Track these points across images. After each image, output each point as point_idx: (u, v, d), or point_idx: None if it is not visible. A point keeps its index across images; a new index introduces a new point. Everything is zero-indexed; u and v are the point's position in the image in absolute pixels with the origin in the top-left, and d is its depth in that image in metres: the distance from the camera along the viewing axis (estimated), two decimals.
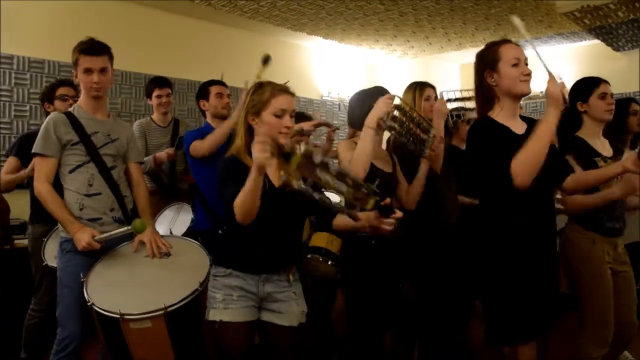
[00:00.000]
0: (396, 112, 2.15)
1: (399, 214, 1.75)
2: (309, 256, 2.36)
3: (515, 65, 1.99)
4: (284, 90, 1.88)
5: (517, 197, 1.92)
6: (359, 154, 2.18)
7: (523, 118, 2.13)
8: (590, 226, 2.38)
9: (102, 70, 2.26)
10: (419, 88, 2.76)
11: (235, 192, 1.68)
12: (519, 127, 2.05)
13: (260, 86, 1.88)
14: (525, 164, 1.84)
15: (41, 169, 2.21)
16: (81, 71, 2.25)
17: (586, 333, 2.37)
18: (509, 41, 2.05)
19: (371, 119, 2.16)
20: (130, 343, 1.85)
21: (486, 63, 2.04)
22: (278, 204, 1.83)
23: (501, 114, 2.04)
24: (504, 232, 2.00)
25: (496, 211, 2.03)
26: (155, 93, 3.58)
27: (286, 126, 1.84)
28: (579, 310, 2.43)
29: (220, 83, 3.20)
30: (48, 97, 3.10)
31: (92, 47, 2.25)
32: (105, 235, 2.14)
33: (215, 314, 1.81)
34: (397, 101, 2.20)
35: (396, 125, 2.18)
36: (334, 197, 4.62)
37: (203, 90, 3.19)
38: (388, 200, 1.67)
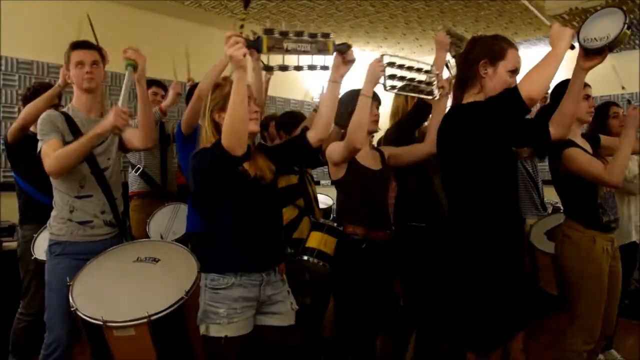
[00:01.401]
0: (390, 70, 2.14)
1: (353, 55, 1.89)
2: (305, 258, 2.37)
3: (512, 72, 1.96)
4: None
5: (492, 196, 1.92)
6: (356, 122, 2.19)
7: None
8: (590, 223, 2.40)
9: (94, 63, 2.26)
10: None
11: (210, 167, 1.70)
12: None
13: (216, 86, 1.88)
14: (535, 76, 1.78)
15: (50, 148, 2.14)
16: (73, 65, 2.25)
17: (575, 329, 2.40)
18: (517, 48, 2.02)
19: (367, 88, 2.18)
20: (114, 351, 1.84)
21: (488, 54, 1.97)
22: (256, 195, 1.84)
23: (479, 97, 1.99)
24: (477, 233, 1.96)
25: (472, 206, 1.98)
26: (152, 90, 3.61)
27: (254, 111, 1.84)
28: (569, 308, 2.44)
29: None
30: (30, 99, 3.01)
31: (84, 43, 2.29)
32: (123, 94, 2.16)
33: (219, 330, 1.75)
34: (386, 59, 2.17)
35: (396, 83, 2.18)
36: (325, 200, 4.60)
37: (193, 92, 3.16)
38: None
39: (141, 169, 3.53)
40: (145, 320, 1.80)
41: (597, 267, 2.37)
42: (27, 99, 3.01)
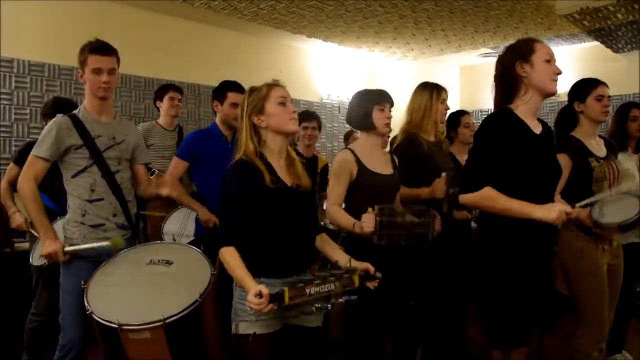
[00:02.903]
0: (381, 218, 2.16)
1: (378, 275, 1.92)
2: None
3: (548, 61, 2.00)
4: (276, 84, 1.93)
5: (523, 195, 1.92)
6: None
7: (538, 120, 2.12)
8: (583, 226, 2.39)
9: (111, 71, 2.25)
10: (437, 90, 2.73)
11: (237, 191, 1.76)
12: (536, 127, 2.05)
13: (252, 89, 1.92)
14: (490, 202, 1.90)
15: (32, 168, 2.18)
16: (89, 71, 2.22)
17: (583, 330, 2.41)
18: (542, 41, 2.06)
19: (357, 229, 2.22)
20: (129, 353, 1.85)
21: (519, 54, 2.02)
22: (291, 203, 1.87)
23: (521, 108, 2.02)
24: (507, 232, 1.99)
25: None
26: (170, 94, 3.67)
27: (293, 111, 1.89)
28: (576, 309, 2.45)
29: (238, 90, 3.01)
30: (49, 115, 3.02)
31: (103, 47, 2.24)
32: (76, 247, 2.16)
33: (247, 327, 1.76)
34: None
35: (387, 232, 2.18)
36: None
37: (220, 93, 3.03)
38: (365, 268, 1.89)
39: (155, 171, 3.54)
40: (160, 323, 1.80)
41: (591, 264, 2.37)
42: (47, 116, 3.04)
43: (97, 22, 4.37)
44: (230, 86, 3.02)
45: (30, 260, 2.77)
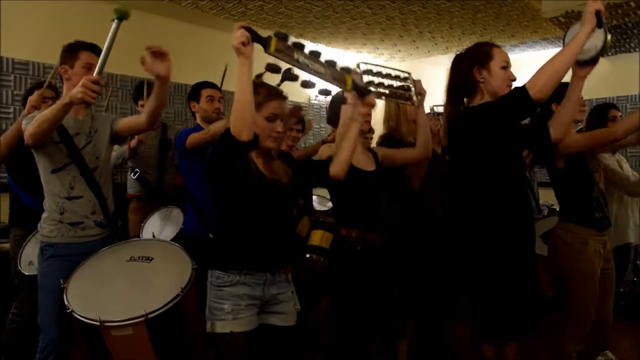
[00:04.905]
0: (367, 78, 2.14)
1: (374, 99, 1.90)
2: (307, 255, 2.38)
3: (504, 68, 2.04)
4: (278, 94, 1.89)
5: (505, 193, 1.97)
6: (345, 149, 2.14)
7: None
8: (584, 220, 2.42)
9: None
10: None
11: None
12: None
13: (257, 84, 1.87)
14: (544, 75, 1.80)
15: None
16: (81, 65, 2.23)
17: (567, 330, 2.43)
18: (499, 46, 2.10)
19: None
20: (112, 351, 1.83)
21: (476, 59, 2.06)
22: (270, 197, 1.84)
23: (483, 102, 2.05)
24: (496, 225, 2.02)
25: (487, 205, 2.05)
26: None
27: (277, 131, 1.85)
28: (566, 309, 2.46)
29: (212, 86, 3.17)
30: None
31: (98, 49, 2.25)
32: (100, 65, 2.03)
33: (224, 326, 1.76)
34: (362, 67, 2.16)
35: (373, 89, 2.17)
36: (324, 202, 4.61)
37: (194, 92, 3.15)
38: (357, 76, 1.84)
39: (138, 172, 3.52)
40: (142, 318, 1.79)
41: (588, 267, 2.38)
42: (26, 100, 3.01)
43: (82, 21, 4.33)
44: (203, 84, 3.15)
45: (19, 267, 2.72)
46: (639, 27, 4.66)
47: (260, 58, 1.71)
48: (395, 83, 2.29)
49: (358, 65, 2.15)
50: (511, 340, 2.08)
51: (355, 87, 1.80)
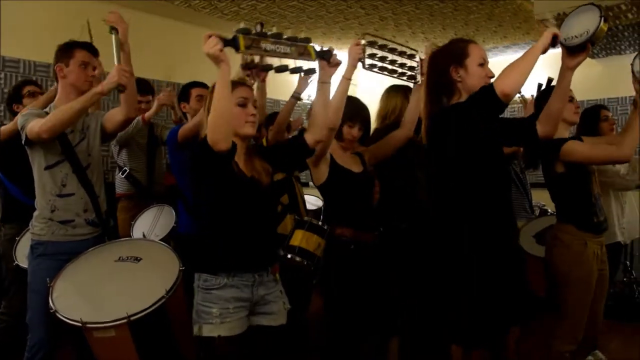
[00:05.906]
0: (370, 50, 2.12)
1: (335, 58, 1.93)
2: (289, 256, 2.36)
3: (481, 65, 2.00)
4: (240, 83, 1.89)
5: (484, 194, 1.94)
6: (335, 104, 2.15)
7: None
8: (582, 224, 2.41)
9: (95, 69, 2.27)
10: (409, 91, 2.68)
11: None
12: None
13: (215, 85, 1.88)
14: (510, 72, 1.78)
15: (37, 122, 2.11)
16: (77, 63, 2.23)
17: (560, 330, 2.41)
18: (474, 42, 2.06)
19: (348, 70, 2.16)
20: (95, 352, 1.82)
21: (452, 58, 2.02)
22: (252, 196, 1.84)
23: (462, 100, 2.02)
24: (471, 227, 1.98)
25: (462, 207, 2.01)
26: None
27: (251, 114, 1.84)
28: (559, 309, 2.44)
29: (201, 85, 3.16)
30: (15, 97, 3.04)
31: (93, 48, 2.29)
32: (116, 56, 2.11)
33: (212, 330, 1.74)
34: (367, 38, 2.14)
35: (377, 62, 2.15)
36: (315, 202, 4.57)
37: (184, 93, 3.15)
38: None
39: (127, 171, 3.50)
40: (125, 320, 1.78)
41: (586, 270, 2.38)
42: (10, 98, 2.99)
43: (74, 19, 4.29)
44: (192, 84, 3.16)
45: (15, 260, 2.70)
46: (629, 29, 4.66)
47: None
48: (401, 59, 2.23)
49: (364, 35, 2.13)
50: (478, 346, 2.04)
51: (318, 54, 1.84)
